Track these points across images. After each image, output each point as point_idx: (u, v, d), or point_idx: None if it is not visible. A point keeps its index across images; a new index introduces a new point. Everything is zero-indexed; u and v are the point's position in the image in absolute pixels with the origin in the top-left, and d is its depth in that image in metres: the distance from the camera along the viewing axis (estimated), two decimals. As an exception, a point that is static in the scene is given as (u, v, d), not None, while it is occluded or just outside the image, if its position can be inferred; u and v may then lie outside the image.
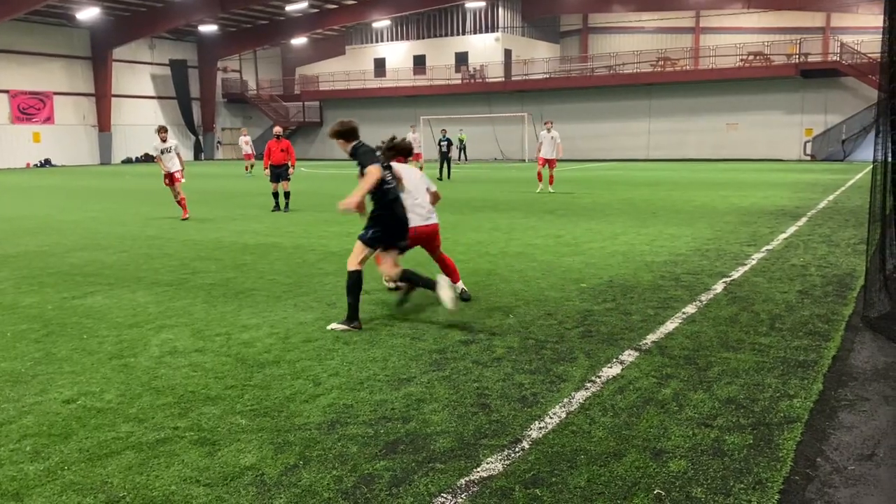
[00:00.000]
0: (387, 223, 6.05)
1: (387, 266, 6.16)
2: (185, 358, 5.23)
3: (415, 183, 6.70)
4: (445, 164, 26.01)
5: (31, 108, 43.99)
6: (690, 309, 6.40)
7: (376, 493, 3.24)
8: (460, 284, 6.97)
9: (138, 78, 50.00)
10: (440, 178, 25.13)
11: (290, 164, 15.96)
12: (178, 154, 14.53)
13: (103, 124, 47.05)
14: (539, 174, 19.64)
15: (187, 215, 14.22)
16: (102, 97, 46.61)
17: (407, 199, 6.41)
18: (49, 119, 44.98)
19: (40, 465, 3.57)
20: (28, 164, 43.79)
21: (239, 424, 4.01)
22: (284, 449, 3.69)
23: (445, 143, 26.17)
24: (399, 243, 6.19)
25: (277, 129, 16.76)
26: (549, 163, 19.30)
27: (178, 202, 14.44)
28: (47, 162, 44.66)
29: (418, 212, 6.57)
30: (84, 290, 7.70)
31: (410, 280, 6.14)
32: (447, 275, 6.73)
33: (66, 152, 45.71)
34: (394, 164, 6.47)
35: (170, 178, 14.42)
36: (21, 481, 3.40)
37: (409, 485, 3.30)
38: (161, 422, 4.06)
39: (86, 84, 46.47)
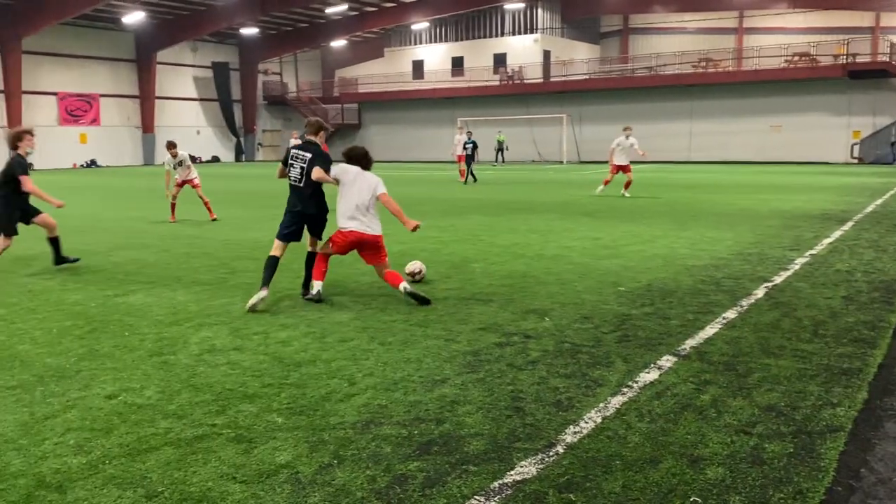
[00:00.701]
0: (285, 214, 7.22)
1: None
2: (224, 356, 5.31)
3: (355, 188, 6.92)
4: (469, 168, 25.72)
5: (77, 109, 45.10)
6: (731, 314, 6.29)
7: (409, 493, 3.24)
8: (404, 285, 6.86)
9: (181, 80, 50.92)
10: (475, 181, 25.00)
11: None
12: (191, 163, 14.64)
13: (147, 126, 48.01)
14: (607, 181, 18.91)
15: (214, 216, 14.39)
16: (146, 99, 47.57)
17: (350, 200, 6.88)
18: (95, 121, 46.06)
19: (83, 458, 3.65)
20: (74, 165, 44.89)
21: (275, 422, 4.05)
22: (319, 448, 3.72)
23: (471, 145, 25.67)
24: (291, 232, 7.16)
25: None
26: (623, 168, 18.28)
27: (204, 205, 14.62)
28: (93, 162, 45.73)
29: (359, 217, 6.85)
30: (126, 287, 7.86)
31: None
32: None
33: (111, 153, 46.74)
34: (344, 166, 7.10)
35: (181, 185, 14.51)
36: (64, 474, 3.48)
37: (443, 486, 3.30)
38: (199, 419, 4.13)
39: (130, 86, 47.48)
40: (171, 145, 14.54)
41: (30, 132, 8.71)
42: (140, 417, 4.16)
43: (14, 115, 40.75)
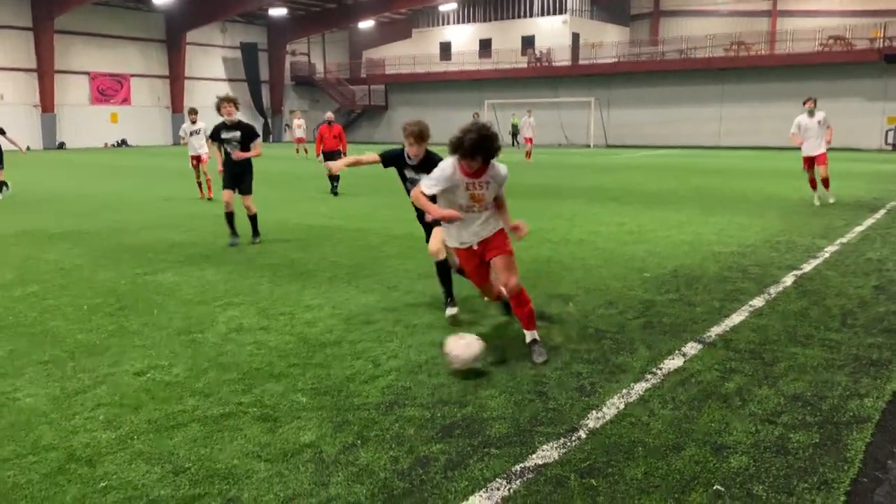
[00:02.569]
0: None
1: None
2: (251, 335, 5.37)
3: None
4: None
5: (109, 89, 45.58)
6: (758, 302, 6.22)
7: (431, 475, 3.27)
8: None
9: (210, 60, 51.21)
10: None
11: (341, 150, 16.07)
12: (206, 136, 14.91)
13: (176, 106, 48.38)
14: (811, 180, 13.11)
15: (211, 195, 14.86)
16: (176, 79, 47.96)
17: None
18: (126, 100, 46.53)
19: (112, 433, 3.73)
20: (106, 144, 45.43)
21: (300, 402, 4.10)
22: (343, 428, 3.76)
23: None
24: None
25: (329, 115, 16.89)
26: (816, 159, 12.81)
27: (205, 181, 15.16)
28: (124, 142, 46.25)
29: None
30: (155, 266, 7.97)
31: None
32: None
33: (142, 133, 47.25)
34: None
35: (196, 160, 14.94)
36: (94, 448, 3.56)
37: (465, 468, 3.32)
38: (226, 397, 4.19)
39: (160, 66, 47.87)
40: (192, 111, 15.12)
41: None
42: (168, 394, 4.24)
43: (47, 95, 41.35)
